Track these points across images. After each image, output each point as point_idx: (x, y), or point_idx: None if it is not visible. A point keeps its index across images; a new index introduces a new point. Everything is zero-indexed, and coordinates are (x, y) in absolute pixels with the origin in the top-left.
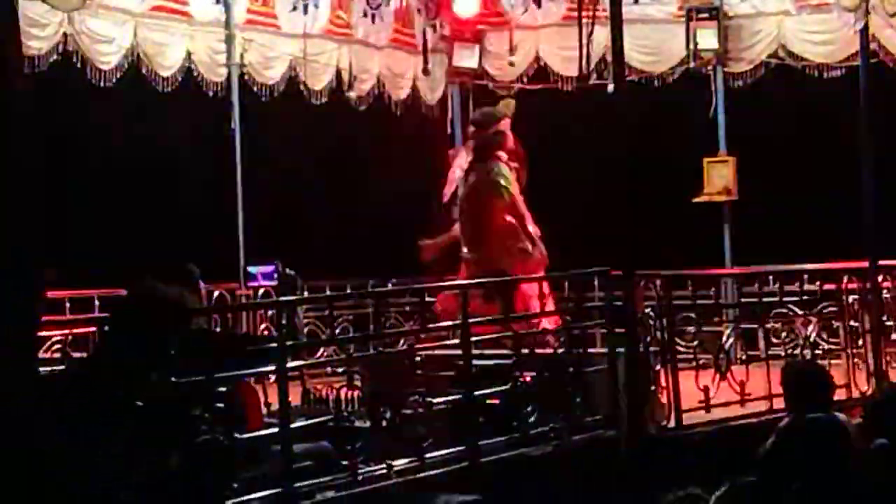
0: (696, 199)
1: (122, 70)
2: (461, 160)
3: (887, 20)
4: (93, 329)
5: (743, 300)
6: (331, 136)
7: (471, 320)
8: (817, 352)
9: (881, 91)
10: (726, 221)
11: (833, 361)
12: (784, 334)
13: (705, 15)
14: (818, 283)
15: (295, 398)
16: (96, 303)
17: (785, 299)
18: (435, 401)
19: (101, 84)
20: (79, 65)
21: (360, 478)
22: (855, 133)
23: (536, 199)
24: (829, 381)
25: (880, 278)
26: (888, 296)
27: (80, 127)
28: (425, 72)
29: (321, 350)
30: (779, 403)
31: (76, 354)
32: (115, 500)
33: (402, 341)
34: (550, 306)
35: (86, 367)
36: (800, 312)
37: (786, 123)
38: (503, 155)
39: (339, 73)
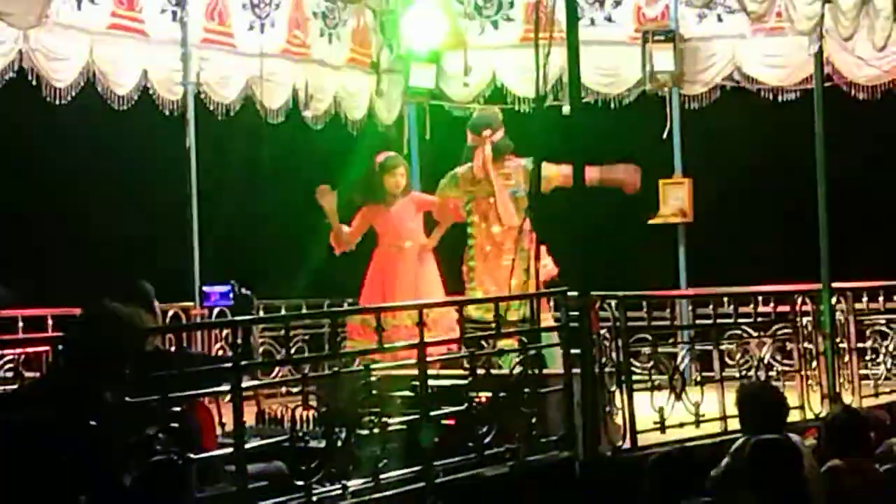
0: (652, 221)
1: (77, 87)
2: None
3: (842, 44)
4: (46, 348)
5: (698, 321)
6: (287, 155)
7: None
8: (771, 373)
9: (835, 114)
10: (681, 243)
11: (787, 383)
12: (739, 356)
13: (661, 37)
14: (772, 304)
15: (250, 418)
16: (49, 322)
17: (739, 321)
18: (390, 421)
19: (57, 101)
20: (34, 82)
21: (314, 498)
22: (809, 156)
23: None
24: (783, 402)
25: (834, 300)
26: (842, 318)
27: (35, 144)
28: (378, 92)
29: (276, 370)
30: (733, 425)
31: (29, 374)
32: None
33: (356, 361)
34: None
35: (39, 386)
36: (754, 334)
37: (741, 146)
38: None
39: (295, 92)
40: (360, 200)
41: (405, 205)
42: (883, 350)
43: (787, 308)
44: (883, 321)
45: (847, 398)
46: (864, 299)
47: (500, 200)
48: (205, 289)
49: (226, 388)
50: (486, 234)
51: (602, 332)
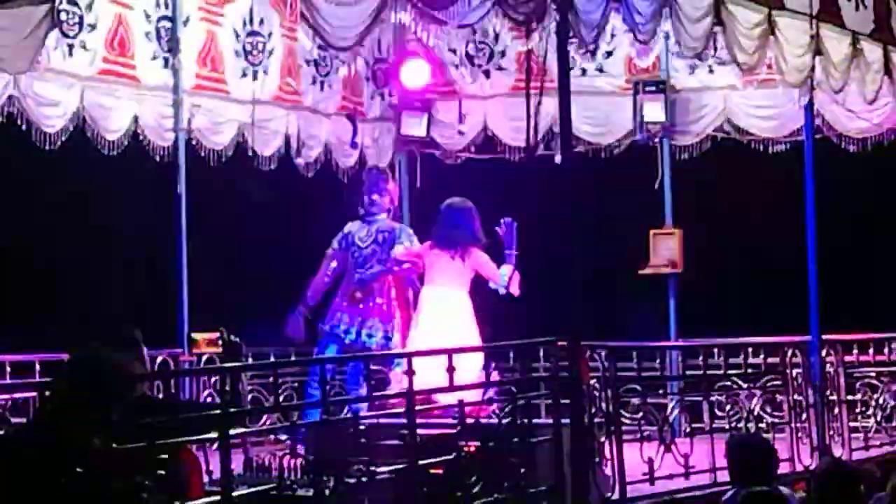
0: (642, 272)
1: (67, 133)
2: None
3: (832, 96)
4: (33, 394)
5: (688, 372)
6: (278, 202)
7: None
8: (761, 425)
9: (825, 166)
10: (672, 294)
11: (777, 435)
12: (728, 407)
13: (652, 88)
14: (762, 356)
15: (237, 466)
16: (37, 367)
17: (729, 372)
18: (378, 469)
19: (47, 146)
20: (24, 127)
21: None
22: (800, 207)
23: None
24: (772, 454)
25: (824, 352)
26: (831, 370)
27: (23, 189)
28: (353, 144)
29: (265, 417)
30: (723, 476)
31: (16, 420)
32: None
33: (345, 409)
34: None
35: (25, 431)
36: (744, 385)
37: (731, 197)
38: None
39: (287, 139)
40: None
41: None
42: (873, 403)
43: (777, 360)
44: (873, 374)
45: (837, 451)
46: (855, 351)
47: None
48: (193, 335)
49: (213, 435)
50: None
51: (592, 381)
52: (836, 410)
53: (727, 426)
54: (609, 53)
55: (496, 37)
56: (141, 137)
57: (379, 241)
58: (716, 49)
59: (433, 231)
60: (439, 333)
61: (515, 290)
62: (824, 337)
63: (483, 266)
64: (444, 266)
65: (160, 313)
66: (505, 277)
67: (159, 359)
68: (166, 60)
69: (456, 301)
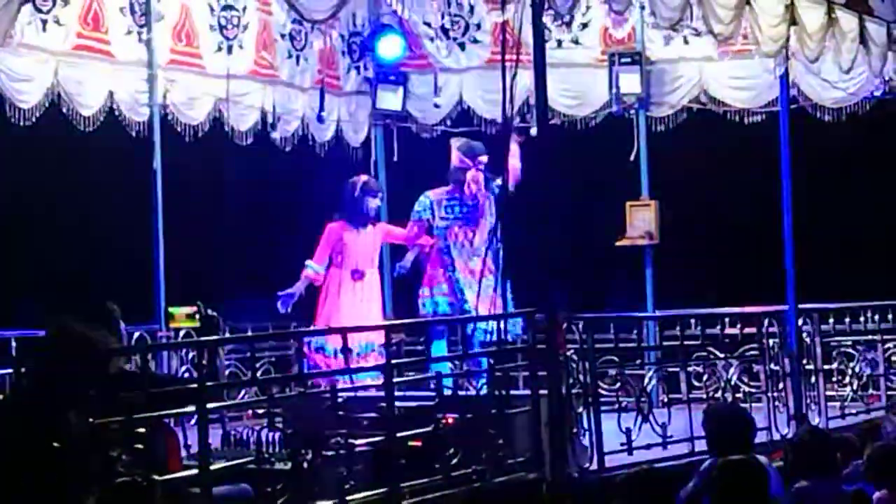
0: (619, 243)
1: (41, 109)
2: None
3: (807, 66)
4: (9, 371)
5: (665, 343)
6: (255, 176)
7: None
8: (738, 395)
9: (800, 136)
10: (648, 265)
11: (754, 404)
12: (705, 377)
13: (628, 60)
14: (739, 326)
15: (215, 440)
16: (13, 344)
17: (706, 342)
18: (357, 442)
19: (21, 122)
20: None
21: None
22: (775, 177)
23: None
24: (750, 423)
25: (800, 321)
26: (808, 339)
27: None
28: (319, 118)
29: (242, 392)
30: (700, 446)
31: None
32: None
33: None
34: None
35: (1, 408)
36: (721, 355)
37: (707, 168)
38: None
39: (263, 113)
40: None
41: (374, 233)
42: (849, 371)
43: (753, 329)
44: (849, 342)
45: (814, 420)
46: (831, 320)
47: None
48: (170, 310)
49: (191, 409)
50: (464, 257)
51: (569, 353)
52: (813, 379)
53: (704, 396)
54: (584, 25)
55: (471, 9)
56: (116, 113)
57: None
58: (691, 19)
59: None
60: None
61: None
62: (800, 306)
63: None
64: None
65: (137, 289)
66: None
67: (136, 334)
68: (140, 35)
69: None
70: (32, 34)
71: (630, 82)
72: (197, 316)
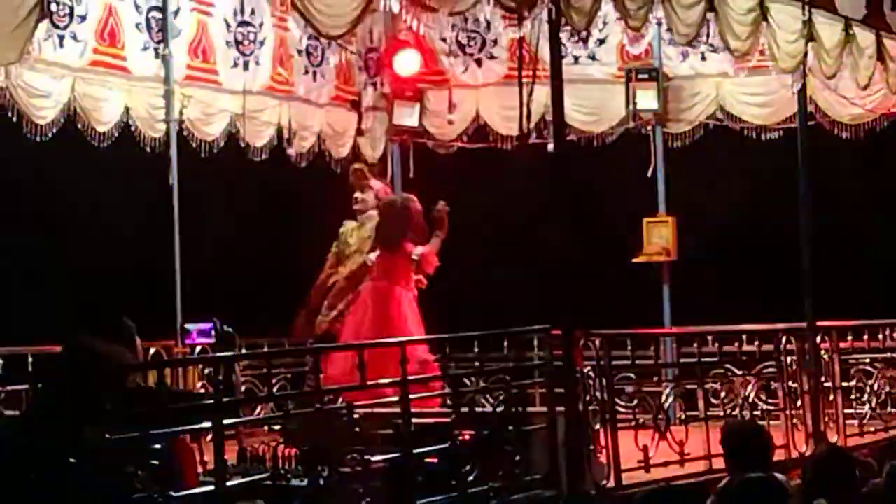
0: (636, 259)
1: (58, 124)
2: None
3: (825, 82)
4: (26, 387)
5: (682, 360)
6: (271, 193)
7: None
8: (756, 412)
9: (818, 153)
10: (665, 281)
11: (772, 422)
12: (723, 394)
13: (645, 76)
14: (757, 343)
15: (231, 456)
16: (30, 360)
17: (724, 359)
18: (373, 459)
19: (38, 138)
20: (14, 119)
21: None
22: (793, 194)
23: (476, 257)
24: (768, 441)
25: (818, 339)
26: (826, 356)
27: (15, 181)
28: (359, 132)
29: (258, 408)
30: (718, 464)
31: (8, 412)
32: None
33: (340, 399)
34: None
35: (17, 423)
36: (739, 373)
37: (725, 184)
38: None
39: (279, 129)
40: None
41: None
42: (867, 389)
43: (771, 347)
44: (867, 360)
45: (832, 437)
46: (849, 338)
47: None
48: (186, 326)
49: (207, 425)
50: None
51: (586, 370)
52: (831, 397)
53: (722, 414)
54: (601, 41)
55: (488, 25)
56: (132, 128)
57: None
58: (708, 36)
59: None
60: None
61: (428, 267)
62: (819, 323)
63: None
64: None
65: (153, 305)
66: (415, 255)
67: (152, 350)
68: (157, 51)
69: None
70: (49, 50)
71: (647, 98)
72: (213, 332)
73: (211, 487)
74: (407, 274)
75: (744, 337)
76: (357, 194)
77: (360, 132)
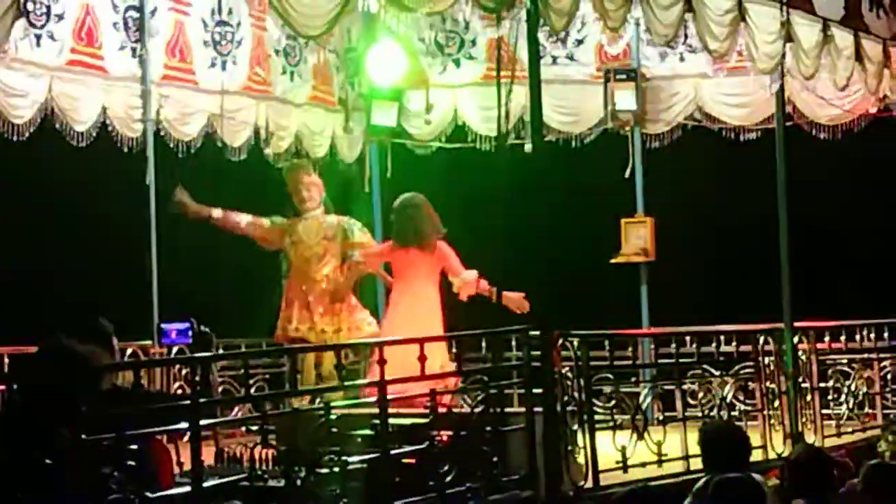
0: (614, 260)
1: (35, 124)
2: None
3: (803, 83)
4: (2, 387)
5: (660, 361)
6: (248, 192)
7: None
8: (734, 413)
9: (797, 154)
10: (643, 282)
11: (749, 423)
12: (701, 395)
13: (623, 76)
14: (735, 344)
15: (208, 457)
16: (5, 360)
17: (702, 360)
18: (350, 459)
19: (14, 137)
20: None
21: None
22: (771, 194)
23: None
24: (745, 442)
25: (796, 339)
26: (804, 357)
27: None
28: (347, 129)
29: (236, 409)
30: (696, 464)
31: None
32: None
33: (317, 399)
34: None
35: None
36: (716, 373)
37: (703, 185)
38: None
39: (257, 129)
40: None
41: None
42: (845, 390)
43: (749, 347)
44: (845, 361)
45: (809, 438)
46: (827, 339)
47: None
48: (163, 326)
49: (184, 426)
50: None
51: (564, 370)
52: (809, 398)
53: (700, 414)
54: (580, 41)
55: (466, 25)
56: (110, 128)
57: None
58: (686, 36)
59: (393, 230)
60: (411, 328)
61: (467, 292)
62: (796, 324)
63: (448, 258)
64: (412, 263)
65: (130, 305)
66: (469, 277)
67: (129, 350)
68: (134, 50)
69: (427, 296)
70: (26, 49)
71: (625, 99)
72: (190, 333)
73: (187, 488)
74: (437, 273)
75: (721, 337)
76: (304, 192)
77: (348, 130)
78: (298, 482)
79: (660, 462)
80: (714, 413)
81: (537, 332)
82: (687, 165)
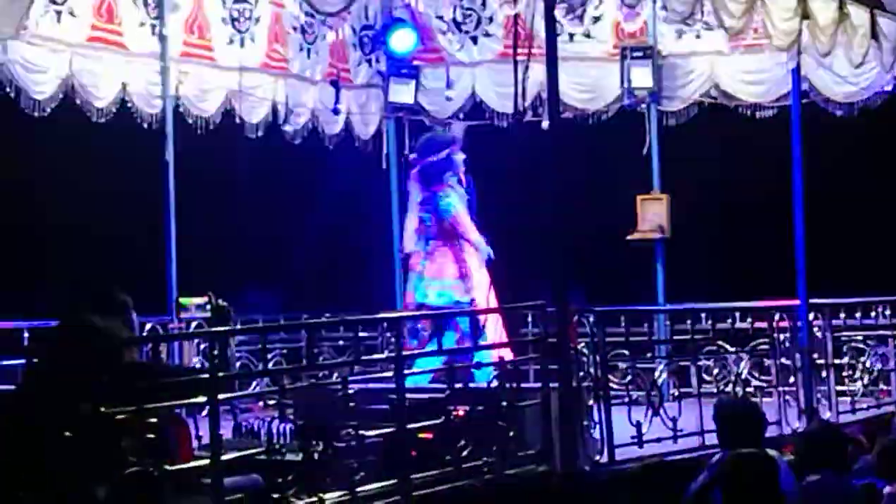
0: (630, 237)
1: (56, 100)
2: (413, 200)
3: (819, 60)
4: (22, 361)
5: (675, 337)
6: (266, 169)
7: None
8: (749, 389)
9: (812, 131)
10: (659, 259)
11: (764, 399)
12: (716, 371)
13: (640, 54)
14: (750, 320)
15: (226, 431)
16: (25, 335)
17: (717, 336)
18: (367, 434)
19: (35, 113)
20: (12, 94)
21: None
22: (787, 171)
23: None
24: (760, 417)
25: (811, 316)
26: (819, 334)
27: (11, 156)
28: (335, 111)
29: (254, 383)
30: (711, 439)
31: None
32: None
33: (335, 374)
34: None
35: (12, 398)
36: (731, 349)
37: (719, 162)
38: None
39: (274, 106)
40: None
41: None
42: (860, 366)
43: (764, 324)
44: (860, 337)
45: (824, 414)
46: (842, 315)
47: None
48: (181, 300)
49: (202, 400)
50: None
51: (580, 346)
52: (824, 374)
53: (715, 390)
54: (596, 18)
55: (483, 3)
56: (129, 104)
57: None
58: (703, 13)
59: None
60: None
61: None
62: (812, 301)
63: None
64: None
65: (149, 280)
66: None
67: (148, 325)
68: (153, 27)
69: None
70: (47, 25)
71: (642, 76)
72: (208, 307)
73: (206, 462)
74: None
75: (737, 314)
76: None
77: (336, 111)
78: (316, 456)
79: (675, 437)
80: (729, 389)
81: (554, 308)
82: (703, 142)
